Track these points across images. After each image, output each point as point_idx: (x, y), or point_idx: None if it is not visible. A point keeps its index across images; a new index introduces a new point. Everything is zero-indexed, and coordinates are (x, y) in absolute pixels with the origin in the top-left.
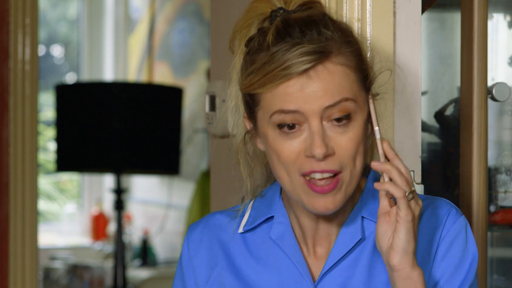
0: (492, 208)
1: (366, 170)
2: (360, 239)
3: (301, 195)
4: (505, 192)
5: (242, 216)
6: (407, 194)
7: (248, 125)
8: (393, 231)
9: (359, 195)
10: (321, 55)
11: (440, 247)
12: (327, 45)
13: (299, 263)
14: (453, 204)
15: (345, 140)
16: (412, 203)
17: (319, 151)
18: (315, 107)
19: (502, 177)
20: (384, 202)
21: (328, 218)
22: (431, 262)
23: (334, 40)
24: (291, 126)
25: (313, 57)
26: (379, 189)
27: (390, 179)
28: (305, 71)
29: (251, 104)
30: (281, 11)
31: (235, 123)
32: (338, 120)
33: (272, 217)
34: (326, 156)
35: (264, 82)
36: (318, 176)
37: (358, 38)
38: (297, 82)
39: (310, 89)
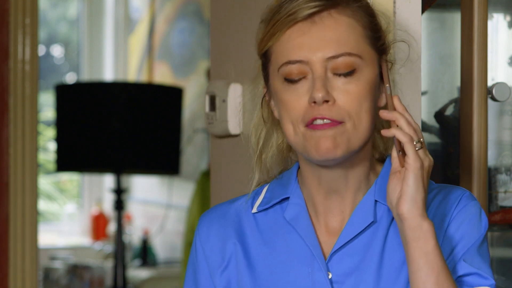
0: (492, 208)
1: (382, 156)
2: (372, 222)
3: (304, 143)
4: (505, 192)
5: (257, 197)
6: (415, 142)
7: (265, 90)
8: (402, 181)
9: (373, 180)
10: (328, 3)
11: (450, 224)
12: None
13: (313, 244)
14: (468, 190)
15: (347, 90)
16: (421, 152)
17: (318, 94)
18: (319, 56)
19: (502, 177)
20: (396, 164)
21: (341, 195)
22: (441, 239)
23: None
24: (297, 80)
25: (319, 3)
26: (385, 135)
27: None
28: (310, 16)
29: (265, 64)
30: None
31: (257, 108)
32: (343, 74)
33: (287, 198)
34: (326, 102)
35: (273, 32)
36: (319, 122)
37: (369, 2)
38: (302, 26)
39: (314, 34)
